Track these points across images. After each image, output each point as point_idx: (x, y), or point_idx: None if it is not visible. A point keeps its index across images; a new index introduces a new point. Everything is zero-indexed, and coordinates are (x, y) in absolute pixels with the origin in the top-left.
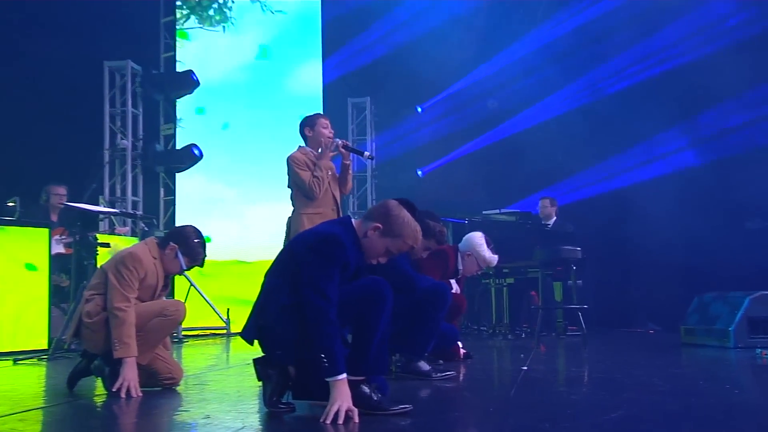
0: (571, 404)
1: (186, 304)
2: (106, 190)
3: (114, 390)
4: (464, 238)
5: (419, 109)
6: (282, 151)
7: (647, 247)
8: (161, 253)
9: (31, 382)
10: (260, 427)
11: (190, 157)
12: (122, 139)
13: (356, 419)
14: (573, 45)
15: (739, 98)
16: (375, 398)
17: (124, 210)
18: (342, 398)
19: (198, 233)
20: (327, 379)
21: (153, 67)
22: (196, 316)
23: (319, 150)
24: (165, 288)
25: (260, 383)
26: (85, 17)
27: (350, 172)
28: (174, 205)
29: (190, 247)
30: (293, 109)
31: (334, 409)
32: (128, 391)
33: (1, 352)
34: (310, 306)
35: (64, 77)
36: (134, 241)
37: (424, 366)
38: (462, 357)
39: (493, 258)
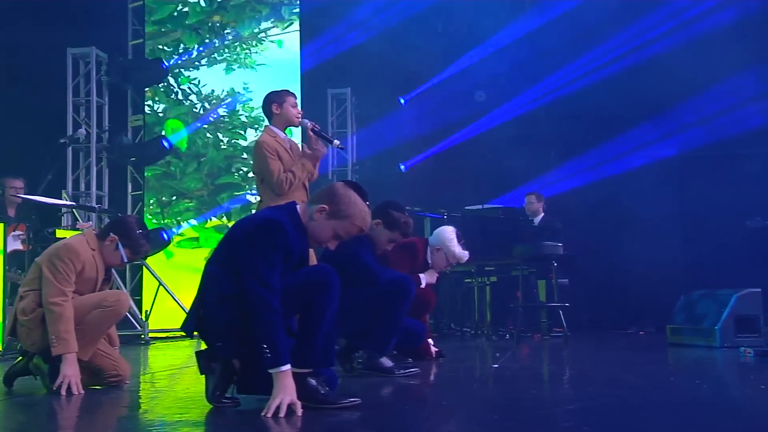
0: (529, 398)
1: (154, 302)
2: (69, 184)
3: (55, 388)
4: (435, 232)
5: (402, 101)
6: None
7: (640, 245)
8: (100, 245)
9: None
10: (199, 420)
11: (160, 149)
12: (80, 128)
13: (299, 413)
14: (556, 34)
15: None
16: (322, 391)
17: (87, 204)
18: (285, 391)
19: (141, 224)
20: (270, 371)
21: (120, 55)
22: (166, 318)
23: (286, 130)
24: (107, 281)
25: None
26: (47, 1)
27: (318, 158)
28: (143, 200)
29: (131, 238)
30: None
31: (276, 402)
32: (69, 389)
33: None
34: (251, 294)
35: (24, 64)
36: None
37: (387, 362)
38: (434, 356)
39: (463, 254)
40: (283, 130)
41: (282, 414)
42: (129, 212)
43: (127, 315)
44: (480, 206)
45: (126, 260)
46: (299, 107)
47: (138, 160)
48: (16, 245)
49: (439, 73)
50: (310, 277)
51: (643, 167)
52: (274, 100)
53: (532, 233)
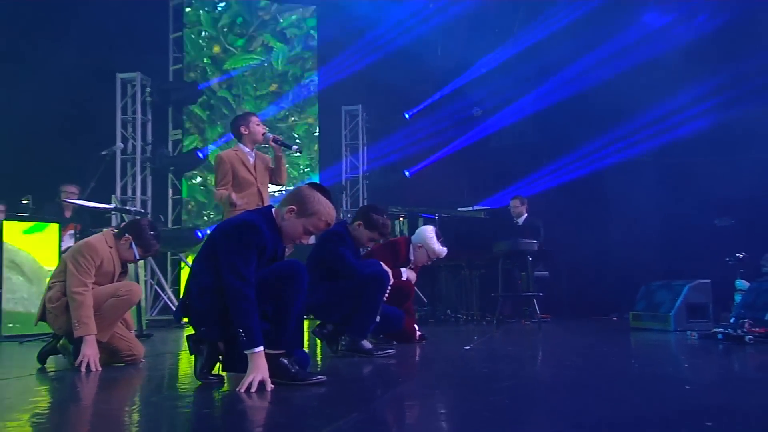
0: (475, 376)
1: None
2: (118, 190)
3: (76, 365)
4: (417, 231)
5: (407, 116)
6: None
7: (619, 241)
8: (117, 243)
9: (22, 358)
10: (188, 393)
11: (195, 159)
12: (117, 143)
13: (268, 388)
14: (536, 57)
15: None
16: (293, 370)
17: (134, 208)
18: (258, 370)
19: (153, 226)
20: (245, 352)
21: (162, 78)
22: None
23: (254, 147)
24: (123, 274)
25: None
26: (100, 33)
27: (283, 163)
28: (181, 204)
29: (143, 239)
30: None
31: (249, 379)
32: (89, 366)
33: (17, 335)
34: (229, 287)
35: (80, 86)
36: None
37: (367, 345)
38: (418, 339)
39: (441, 250)
40: (253, 148)
41: (253, 389)
42: (170, 214)
43: (168, 303)
44: (470, 208)
45: (138, 257)
46: (262, 125)
47: (177, 169)
48: (70, 243)
49: (438, 91)
50: (281, 271)
51: (621, 170)
52: (241, 123)
53: (516, 232)
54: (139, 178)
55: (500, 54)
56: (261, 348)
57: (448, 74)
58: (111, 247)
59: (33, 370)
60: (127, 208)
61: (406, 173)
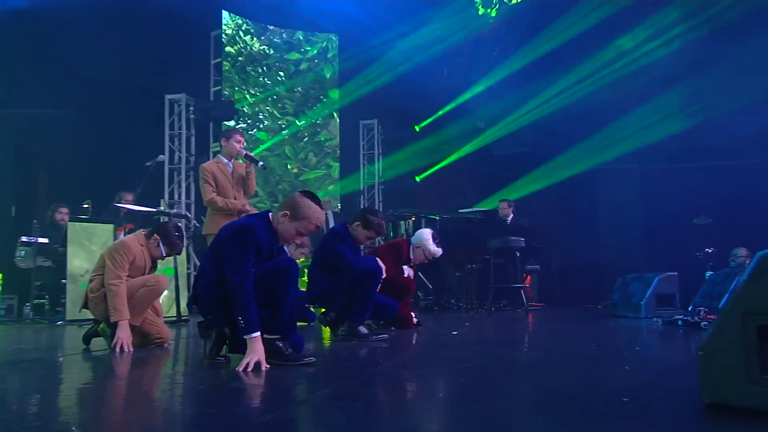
0: (447, 358)
1: None
2: (166, 195)
3: (112, 347)
4: (416, 233)
5: (417, 128)
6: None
7: (608, 237)
8: (147, 242)
9: (76, 339)
10: (198, 373)
11: None
12: (160, 155)
13: (263, 368)
14: (527, 75)
15: None
16: (287, 352)
17: (175, 211)
18: (255, 352)
19: (178, 228)
20: (244, 336)
21: (204, 98)
22: None
23: (231, 159)
24: (153, 268)
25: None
26: (151, 60)
27: (252, 177)
28: None
29: (169, 239)
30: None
31: (247, 360)
32: (123, 348)
33: (78, 319)
34: (230, 281)
35: (134, 106)
36: None
37: (363, 330)
38: (415, 324)
39: (437, 251)
40: (231, 159)
41: (250, 369)
42: None
43: None
44: (469, 209)
45: (164, 255)
46: (242, 142)
47: None
48: None
49: (444, 107)
50: (276, 268)
51: (608, 174)
52: (222, 135)
53: (505, 231)
54: (184, 184)
55: (497, 73)
56: (258, 333)
57: (453, 92)
58: (142, 246)
59: (80, 350)
60: (169, 211)
61: (417, 179)
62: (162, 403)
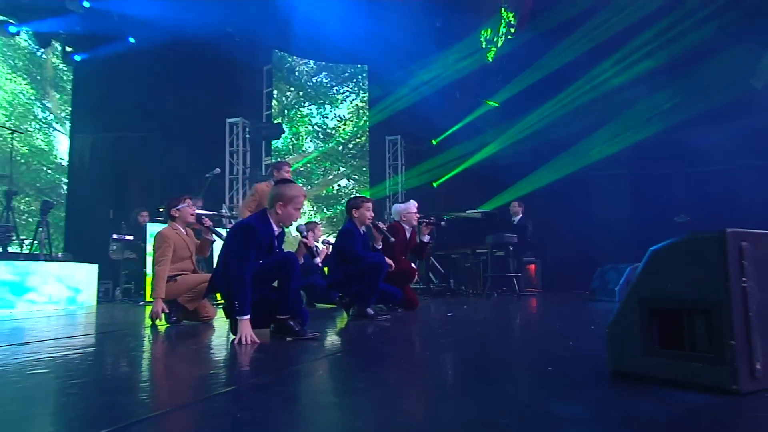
0: (430, 335)
1: None
2: (227, 200)
3: (151, 317)
4: (392, 212)
5: (434, 142)
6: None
7: (600, 234)
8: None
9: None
10: (223, 344)
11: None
12: (216, 168)
13: (248, 342)
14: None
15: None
16: (296, 328)
17: (229, 213)
18: (242, 330)
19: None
20: (236, 318)
21: (257, 121)
22: None
23: (185, 228)
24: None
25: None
26: (214, 90)
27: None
28: None
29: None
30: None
31: (238, 337)
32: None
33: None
34: (231, 271)
35: (201, 129)
36: None
37: (370, 311)
38: (418, 306)
39: (408, 205)
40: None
41: (242, 342)
42: None
43: None
44: (474, 210)
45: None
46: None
47: None
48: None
49: (457, 124)
50: (279, 261)
51: (600, 178)
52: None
53: (509, 229)
54: (241, 192)
55: (502, 95)
56: (247, 317)
57: (464, 111)
58: (176, 229)
59: (147, 324)
60: (224, 213)
61: (434, 184)
62: (218, 358)
